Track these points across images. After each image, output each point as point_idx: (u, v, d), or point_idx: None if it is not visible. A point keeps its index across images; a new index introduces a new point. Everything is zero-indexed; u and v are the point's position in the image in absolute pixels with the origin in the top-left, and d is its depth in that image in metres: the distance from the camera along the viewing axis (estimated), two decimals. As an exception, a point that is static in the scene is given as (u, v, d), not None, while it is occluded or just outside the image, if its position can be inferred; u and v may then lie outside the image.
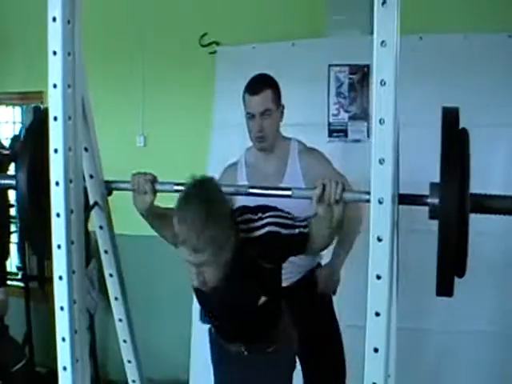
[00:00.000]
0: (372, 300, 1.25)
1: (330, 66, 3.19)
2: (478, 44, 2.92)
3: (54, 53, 1.49)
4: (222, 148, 3.29)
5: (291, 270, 2.15)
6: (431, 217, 1.31)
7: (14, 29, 3.82)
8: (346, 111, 3.20)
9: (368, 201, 1.34)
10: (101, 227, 1.73)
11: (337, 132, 3.21)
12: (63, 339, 1.50)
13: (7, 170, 4.11)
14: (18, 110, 4.24)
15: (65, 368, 1.50)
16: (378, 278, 1.24)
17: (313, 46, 3.21)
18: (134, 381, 1.97)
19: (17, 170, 1.57)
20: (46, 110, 1.55)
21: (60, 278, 1.48)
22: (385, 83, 1.21)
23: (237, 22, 3.38)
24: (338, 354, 2.30)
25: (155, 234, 3.49)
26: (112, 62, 3.47)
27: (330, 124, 3.19)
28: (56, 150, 1.47)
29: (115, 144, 3.25)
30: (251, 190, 1.61)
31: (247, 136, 2.31)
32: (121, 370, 2.60)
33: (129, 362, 1.95)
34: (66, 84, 1.49)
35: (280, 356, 1.83)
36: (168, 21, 3.52)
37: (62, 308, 1.50)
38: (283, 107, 2.27)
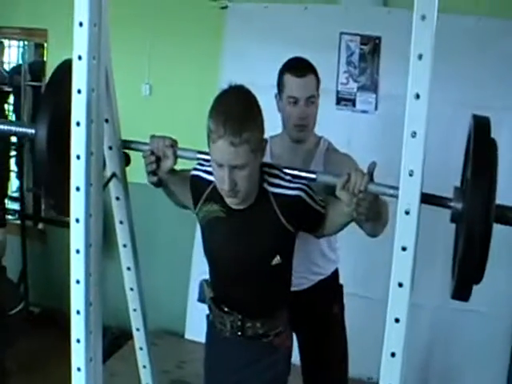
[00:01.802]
0: (396, 271, 1.30)
1: (341, 33, 3.15)
2: (491, 28, 2.90)
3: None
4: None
5: (307, 275, 2.10)
6: (452, 220, 1.35)
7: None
8: (355, 81, 3.18)
9: (392, 195, 1.38)
10: (118, 198, 1.74)
11: (345, 101, 3.20)
12: (77, 281, 1.50)
13: (6, 102, 4.13)
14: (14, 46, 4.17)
15: (78, 312, 1.51)
16: (404, 249, 1.28)
17: (325, 11, 3.16)
18: (138, 329, 2.01)
19: (37, 121, 1.54)
20: (69, 61, 1.52)
21: (77, 220, 1.47)
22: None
23: (250, -22, 3.27)
24: (342, 369, 2.19)
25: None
26: (119, 10, 3.37)
27: (338, 92, 3.18)
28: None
29: (119, 91, 3.22)
30: (269, 171, 1.63)
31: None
32: (114, 316, 2.65)
33: (134, 310, 1.98)
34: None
35: (275, 351, 1.72)
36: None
37: (77, 251, 1.49)
38: (319, 97, 2.04)
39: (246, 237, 1.62)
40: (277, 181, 1.60)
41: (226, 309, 1.70)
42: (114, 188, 1.75)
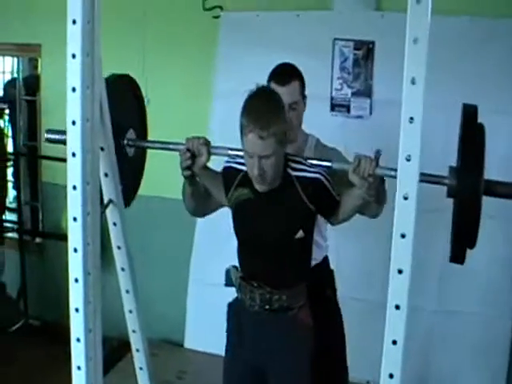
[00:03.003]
0: (392, 292, 1.34)
1: (335, 39, 3.15)
2: (484, 28, 2.91)
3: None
4: (224, 114, 3.27)
5: None
6: (449, 195, 1.52)
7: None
8: (350, 87, 3.18)
9: (395, 177, 1.44)
10: (115, 224, 1.76)
11: (339, 107, 3.21)
12: (76, 310, 1.53)
13: (1, 117, 4.13)
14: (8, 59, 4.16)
15: (77, 309, 1.54)
16: (400, 272, 1.34)
17: (318, 18, 3.15)
18: (137, 350, 2.06)
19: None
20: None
21: (75, 250, 1.51)
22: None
23: (241, -13, 3.28)
24: (339, 351, 2.31)
25: (152, 194, 3.43)
26: (113, 22, 3.36)
27: (332, 98, 3.18)
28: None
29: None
30: (292, 157, 1.85)
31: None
32: (114, 326, 2.68)
33: (134, 331, 2.03)
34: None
35: (301, 326, 1.91)
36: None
37: (76, 280, 1.52)
38: (306, 98, 2.18)
39: (273, 215, 1.82)
40: (299, 166, 1.82)
41: (255, 284, 1.86)
42: (110, 214, 1.77)
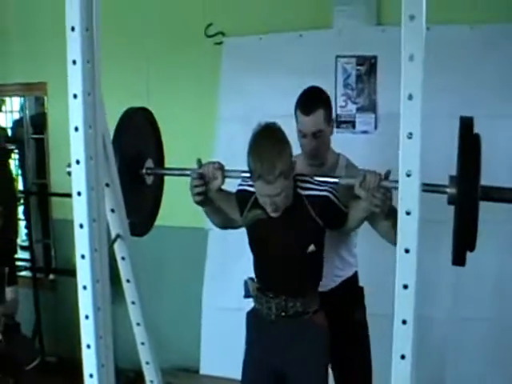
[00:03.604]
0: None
1: (337, 57, 3.20)
2: (485, 35, 2.93)
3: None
4: (228, 139, 3.33)
5: (332, 277, 2.25)
6: (449, 202, 1.59)
7: (15, 20, 3.76)
8: (354, 103, 3.21)
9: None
10: (123, 258, 1.76)
11: (344, 123, 3.22)
12: (86, 317, 1.52)
13: (10, 157, 4.17)
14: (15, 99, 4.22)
15: (89, 346, 1.53)
16: (405, 287, 1.32)
17: (320, 37, 3.20)
18: (151, 381, 2.05)
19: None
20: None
21: (84, 287, 1.51)
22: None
23: (243, 12, 3.34)
24: (366, 366, 2.35)
25: (160, 223, 3.49)
26: (115, 52, 3.41)
27: (337, 115, 3.19)
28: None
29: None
30: (301, 178, 1.93)
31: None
32: (129, 358, 2.68)
33: (147, 363, 2.03)
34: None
35: (316, 327, 1.99)
36: (173, 10, 3.47)
37: (86, 317, 1.52)
38: (334, 121, 2.25)
39: (285, 232, 1.91)
40: (308, 185, 1.92)
41: (271, 295, 1.98)
42: (118, 248, 1.77)
